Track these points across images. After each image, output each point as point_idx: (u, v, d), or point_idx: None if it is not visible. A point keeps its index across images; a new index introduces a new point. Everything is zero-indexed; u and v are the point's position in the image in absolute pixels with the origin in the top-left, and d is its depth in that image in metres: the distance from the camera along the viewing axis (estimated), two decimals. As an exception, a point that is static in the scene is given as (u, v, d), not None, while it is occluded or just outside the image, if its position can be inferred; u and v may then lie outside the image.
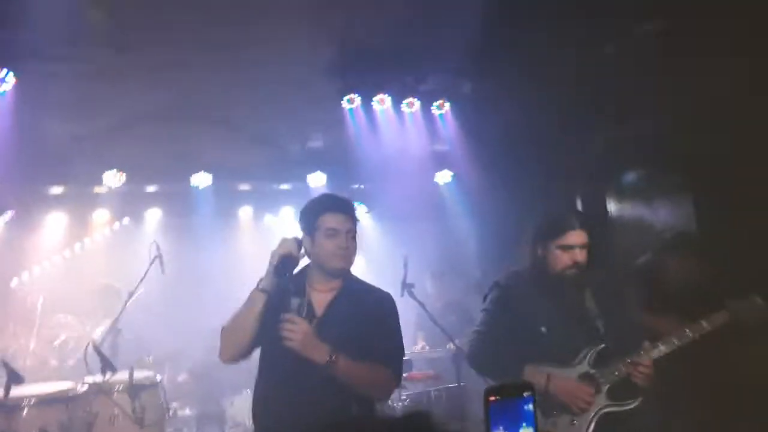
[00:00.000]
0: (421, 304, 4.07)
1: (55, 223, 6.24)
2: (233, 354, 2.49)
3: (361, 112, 5.29)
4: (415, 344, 5.72)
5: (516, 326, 2.79)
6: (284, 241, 2.48)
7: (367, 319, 2.47)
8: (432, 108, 5.49)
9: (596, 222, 4.37)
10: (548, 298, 2.83)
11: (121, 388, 3.79)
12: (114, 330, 4.59)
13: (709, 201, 4.15)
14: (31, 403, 3.37)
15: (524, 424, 1.05)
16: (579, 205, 5.37)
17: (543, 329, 2.78)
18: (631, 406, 2.73)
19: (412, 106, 5.43)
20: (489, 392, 1.07)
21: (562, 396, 2.70)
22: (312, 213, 2.54)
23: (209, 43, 4.49)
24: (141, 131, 5.43)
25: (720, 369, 3.08)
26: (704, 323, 2.77)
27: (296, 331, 2.31)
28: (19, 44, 4.09)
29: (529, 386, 1.08)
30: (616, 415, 2.72)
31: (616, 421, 2.71)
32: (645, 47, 4.11)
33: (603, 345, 2.79)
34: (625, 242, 4.74)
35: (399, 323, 2.57)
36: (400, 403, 4.27)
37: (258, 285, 2.45)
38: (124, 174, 5.91)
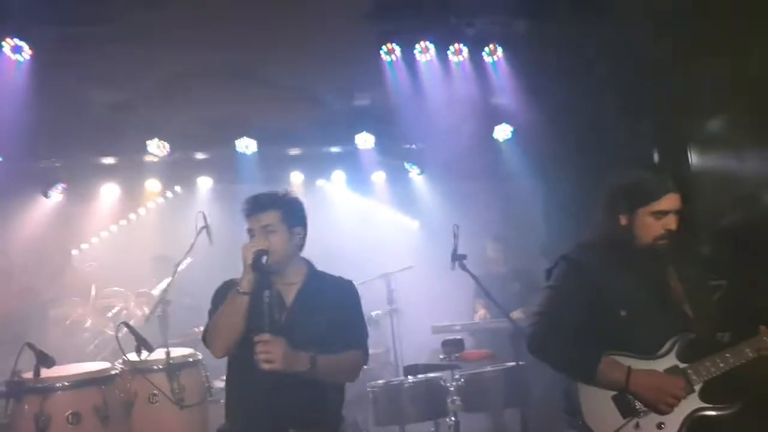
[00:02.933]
0: (474, 277, 3.68)
1: (108, 194, 6.25)
2: (227, 349, 2.54)
3: (402, 64, 4.80)
4: (474, 312, 5.39)
5: (589, 308, 2.38)
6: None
7: (332, 307, 2.60)
8: (483, 54, 4.90)
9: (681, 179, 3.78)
10: (630, 276, 2.40)
11: (159, 367, 3.67)
12: (163, 301, 4.50)
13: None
14: (64, 385, 3.29)
15: None
16: (655, 158, 4.76)
17: (622, 312, 2.36)
18: (730, 411, 2.29)
19: (459, 53, 4.86)
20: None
21: (648, 393, 2.28)
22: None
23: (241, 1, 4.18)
24: (181, 96, 5.24)
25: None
26: None
27: (273, 351, 2.34)
28: (33, 10, 3.90)
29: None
30: (711, 420, 2.30)
31: (711, 427, 2.29)
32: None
33: (693, 334, 2.35)
34: (708, 201, 4.12)
35: (361, 306, 2.72)
36: (454, 383, 3.95)
37: (237, 287, 2.47)
38: (167, 143, 5.76)
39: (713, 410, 2.30)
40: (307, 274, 2.66)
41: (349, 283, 2.75)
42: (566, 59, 4.45)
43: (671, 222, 2.39)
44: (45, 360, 3.17)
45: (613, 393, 2.32)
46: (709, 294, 2.52)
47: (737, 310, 2.58)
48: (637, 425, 2.29)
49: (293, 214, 2.62)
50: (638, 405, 2.30)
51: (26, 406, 3.21)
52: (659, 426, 2.28)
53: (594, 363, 2.31)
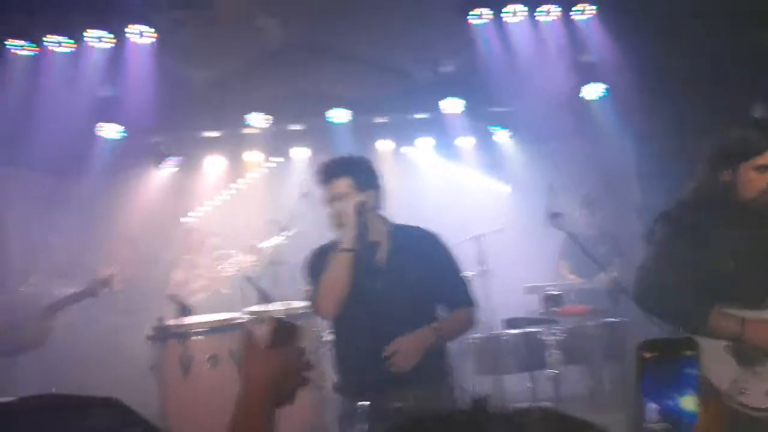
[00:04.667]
0: (572, 235, 3.79)
1: (214, 165, 6.71)
2: (336, 308, 2.54)
3: (492, 28, 4.84)
4: (559, 275, 5.45)
5: (697, 262, 2.41)
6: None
7: (427, 261, 2.57)
8: (573, 14, 4.85)
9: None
10: (737, 230, 2.42)
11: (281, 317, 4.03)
12: (274, 262, 4.90)
13: None
14: (203, 330, 3.70)
15: (684, 391, 0.85)
16: (756, 114, 4.61)
17: (732, 265, 2.39)
18: None
19: (549, 13, 4.85)
20: (644, 348, 0.86)
21: (765, 342, 2.33)
22: None
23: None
24: (276, 72, 5.55)
25: None
26: None
27: (403, 351, 2.40)
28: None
29: (692, 344, 0.88)
30: None
31: None
32: None
33: None
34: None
35: (453, 257, 2.66)
36: (553, 338, 4.08)
37: (341, 246, 2.49)
38: (270, 116, 6.12)
39: None
40: (389, 233, 2.61)
41: (434, 234, 2.68)
42: (661, 15, 4.36)
43: None
44: (185, 310, 3.60)
45: (726, 343, 2.36)
46: None
47: None
48: (755, 373, 2.33)
49: (364, 178, 2.57)
50: (754, 354, 2.33)
51: (171, 349, 3.65)
52: None
53: (705, 314, 2.35)
